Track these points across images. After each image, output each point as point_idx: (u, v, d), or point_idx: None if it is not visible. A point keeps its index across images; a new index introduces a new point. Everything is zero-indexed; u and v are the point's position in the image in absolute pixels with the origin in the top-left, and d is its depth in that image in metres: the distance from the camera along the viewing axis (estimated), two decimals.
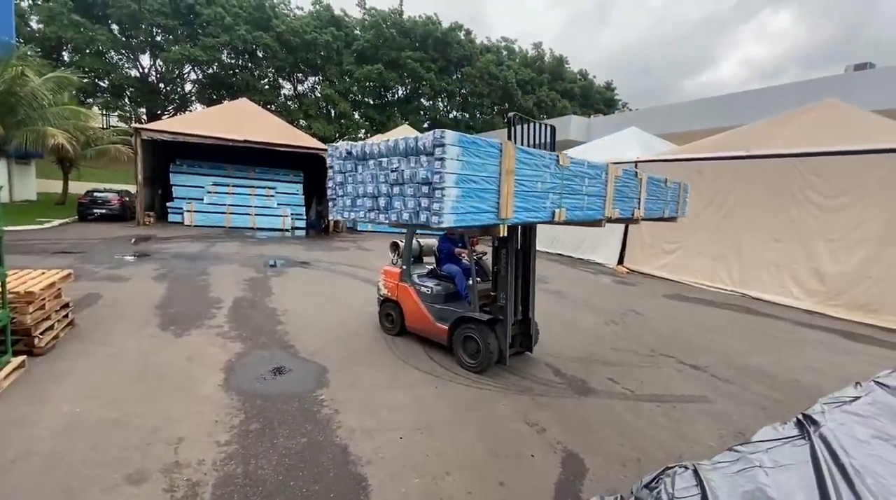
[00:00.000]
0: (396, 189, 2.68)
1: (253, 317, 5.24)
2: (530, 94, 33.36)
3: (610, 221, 3.87)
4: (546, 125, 3.90)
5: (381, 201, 2.81)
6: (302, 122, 29.33)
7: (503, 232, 2.85)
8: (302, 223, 15.79)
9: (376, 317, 5.20)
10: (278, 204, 15.77)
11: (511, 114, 3.57)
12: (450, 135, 2.35)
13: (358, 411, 3.17)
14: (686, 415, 3.42)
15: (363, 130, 31.32)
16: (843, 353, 5.33)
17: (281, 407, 3.16)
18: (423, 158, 2.45)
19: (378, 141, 2.80)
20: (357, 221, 2.99)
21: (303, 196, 16.67)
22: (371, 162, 2.87)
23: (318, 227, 15.98)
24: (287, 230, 15.19)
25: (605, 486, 2.51)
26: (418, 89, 31.94)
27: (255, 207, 15.36)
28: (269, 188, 16.12)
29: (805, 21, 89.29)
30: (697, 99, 18.32)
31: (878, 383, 2.06)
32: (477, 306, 4.07)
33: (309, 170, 17.29)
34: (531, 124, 3.71)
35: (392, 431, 2.94)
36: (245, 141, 14.20)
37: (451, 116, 34.03)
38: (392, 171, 2.67)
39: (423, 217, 2.48)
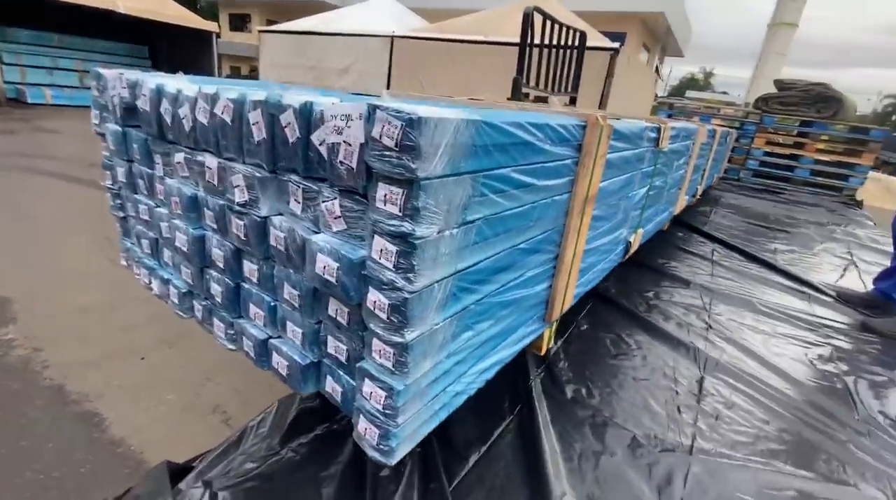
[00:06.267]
0: (252, 268, 1.06)
1: None
2: None
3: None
4: (572, 31, 2.13)
5: (216, 286, 1.20)
6: None
7: (548, 344, 1.50)
8: None
9: (84, 226, 4.01)
10: None
11: (529, 6, 1.75)
12: (440, 123, 0.67)
13: (72, 343, 2.53)
14: None
15: None
16: None
17: None
18: (328, 206, 0.82)
19: (202, 91, 1.00)
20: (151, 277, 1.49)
21: None
22: (181, 156, 1.12)
23: None
24: None
25: None
26: None
27: None
28: None
29: None
30: None
31: None
32: None
33: None
34: (550, 26, 1.83)
35: (129, 353, 2.50)
36: None
37: None
38: (241, 210, 0.98)
39: (336, 397, 1.02)
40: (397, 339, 0.77)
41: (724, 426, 1.71)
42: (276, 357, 1.07)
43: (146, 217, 1.40)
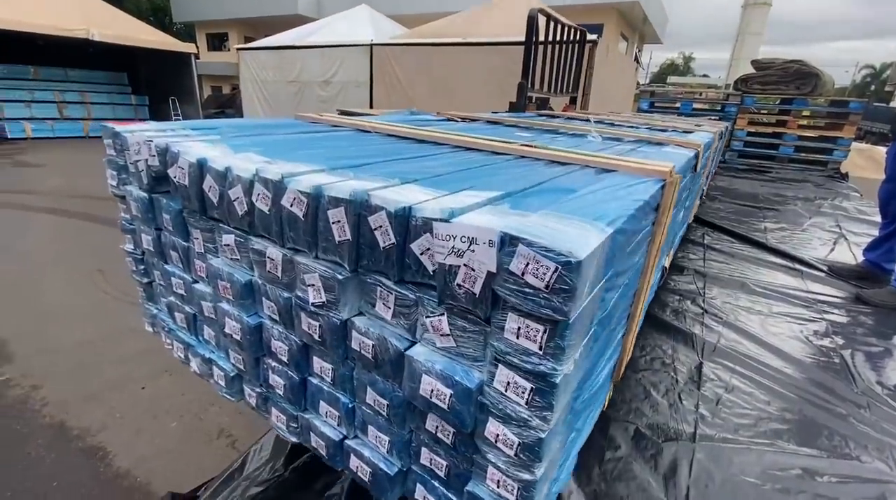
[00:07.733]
0: (325, 366, 0.92)
1: None
2: None
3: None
4: (573, 29, 2.36)
5: (277, 378, 1.02)
6: None
7: (608, 398, 1.44)
8: None
9: (75, 259, 4.00)
10: None
11: (534, 8, 1.98)
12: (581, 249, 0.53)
13: (70, 378, 2.52)
14: None
15: None
16: None
17: None
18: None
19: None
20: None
21: None
22: (230, 238, 0.95)
23: None
24: None
25: None
26: None
27: None
28: None
29: None
30: None
31: None
32: None
33: None
34: (554, 27, 2.07)
35: (129, 384, 2.49)
36: None
37: None
38: (315, 311, 0.84)
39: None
40: (526, 476, 0.66)
41: (725, 410, 1.72)
42: (354, 460, 0.92)
43: (181, 291, 1.20)
